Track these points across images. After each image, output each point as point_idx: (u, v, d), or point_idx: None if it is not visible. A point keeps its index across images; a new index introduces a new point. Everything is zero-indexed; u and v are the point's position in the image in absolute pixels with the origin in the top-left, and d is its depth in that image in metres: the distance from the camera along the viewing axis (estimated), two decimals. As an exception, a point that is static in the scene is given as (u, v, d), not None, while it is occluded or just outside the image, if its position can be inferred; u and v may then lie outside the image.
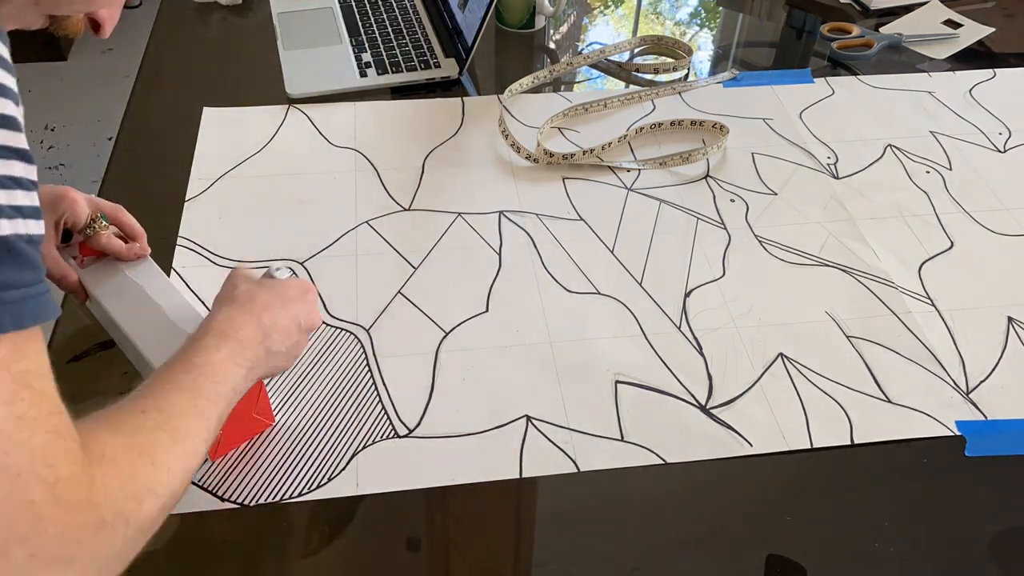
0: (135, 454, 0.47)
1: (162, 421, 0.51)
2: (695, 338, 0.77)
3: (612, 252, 0.85)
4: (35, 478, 0.40)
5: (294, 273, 0.67)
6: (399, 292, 0.80)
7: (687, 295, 0.81)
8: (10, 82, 0.39)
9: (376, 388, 0.71)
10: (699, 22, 1.29)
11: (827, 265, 0.85)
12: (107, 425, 0.48)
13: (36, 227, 0.39)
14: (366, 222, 0.87)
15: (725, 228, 0.89)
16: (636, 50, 1.18)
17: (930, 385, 0.74)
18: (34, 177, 0.40)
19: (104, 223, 0.70)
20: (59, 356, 0.72)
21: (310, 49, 1.10)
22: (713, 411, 0.71)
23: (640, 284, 0.82)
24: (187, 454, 0.52)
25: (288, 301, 0.63)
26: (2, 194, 0.37)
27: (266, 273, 0.66)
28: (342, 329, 0.76)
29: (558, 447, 0.68)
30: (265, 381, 0.66)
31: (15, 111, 0.38)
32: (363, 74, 1.07)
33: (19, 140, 0.38)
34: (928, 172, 0.97)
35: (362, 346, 0.75)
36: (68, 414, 0.43)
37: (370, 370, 0.73)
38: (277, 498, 0.63)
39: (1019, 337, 0.78)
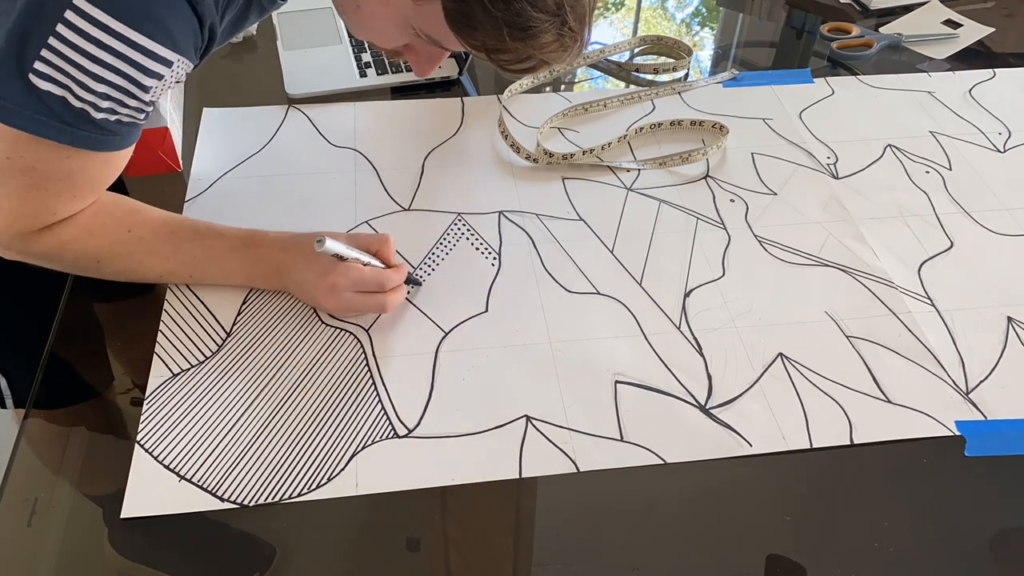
0: (64, 248, 0.71)
1: (130, 243, 0.73)
2: (695, 338, 0.77)
3: (612, 252, 0.85)
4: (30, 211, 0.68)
5: (345, 256, 0.72)
6: (399, 292, 0.80)
7: (687, 295, 0.81)
8: (162, 71, 0.64)
9: (376, 388, 0.71)
10: (699, 22, 1.29)
11: (827, 265, 0.85)
12: (90, 217, 0.71)
13: (129, 120, 0.66)
14: (366, 222, 0.87)
15: (725, 228, 0.89)
16: (636, 50, 1.18)
17: (930, 385, 0.74)
18: (147, 108, 0.66)
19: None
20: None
21: (310, 49, 1.10)
22: (713, 411, 0.71)
23: (640, 284, 0.82)
24: (124, 264, 0.73)
25: (312, 269, 0.74)
26: (110, 105, 0.63)
27: (316, 239, 0.70)
28: (342, 329, 0.76)
29: (558, 447, 0.68)
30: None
31: (153, 84, 0.64)
32: (363, 74, 1.07)
33: (141, 95, 0.64)
34: (928, 172, 0.97)
35: (362, 346, 0.75)
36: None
37: (370, 370, 0.73)
38: (277, 498, 0.63)
39: (1019, 337, 0.78)
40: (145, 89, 0.63)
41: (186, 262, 0.75)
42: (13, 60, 0.59)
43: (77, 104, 0.61)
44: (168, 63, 0.63)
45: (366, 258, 0.74)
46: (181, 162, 0.90)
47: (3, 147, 0.64)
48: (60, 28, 0.58)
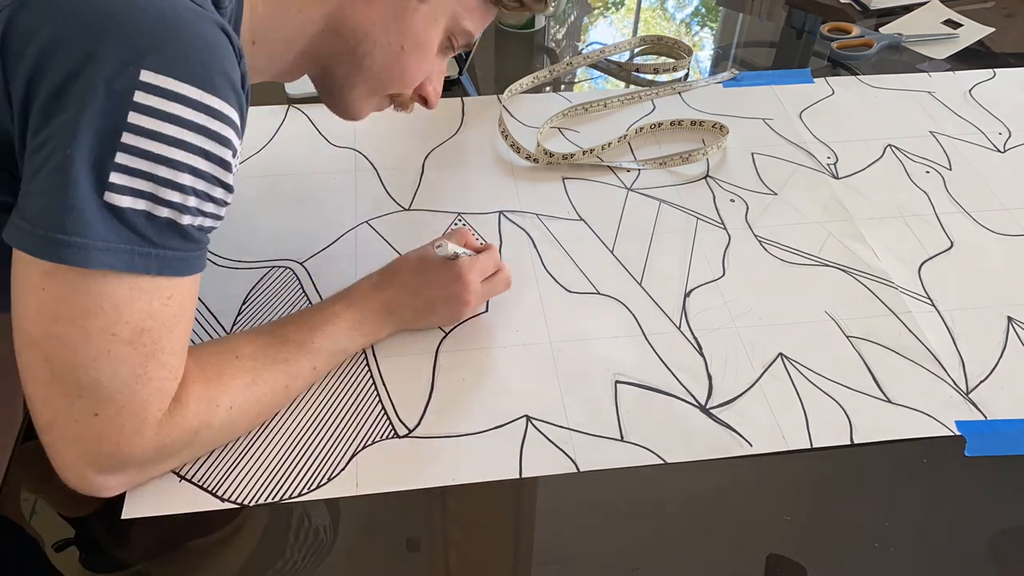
0: (205, 398, 0.59)
1: (248, 368, 0.63)
2: (695, 338, 0.77)
3: (612, 252, 0.85)
4: (143, 407, 0.55)
5: (458, 254, 0.72)
6: (399, 292, 0.80)
7: (687, 295, 0.81)
8: (237, 142, 0.55)
9: (376, 388, 0.71)
10: (699, 22, 1.29)
11: (827, 265, 0.85)
12: (198, 366, 0.60)
13: (211, 222, 0.56)
14: (366, 222, 0.87)
15: (725, 228, 0.89)
16: (636, 50, 1.18)
17: (930, 385, 0.74)
18: (229, 200, 0.56)
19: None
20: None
21: (310, 49, 1.10)
22: (713, 411, 0.71)
23: (640, 284, 0.82)
24: (256, 396, 0.63)
25: (428, 282, 0.72)
26: (198, 202, 0.53)
27: (435, 244, 0.71)
28: (342, 329, 0.76)
29: (558, 447, 0.68)
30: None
31: (232, 159, 0.55)
32: (363, 74, 1.06)
33: (228, 177, 0.55)
34: (928, 172, 0.97)
35: (362, 346, 0.75)
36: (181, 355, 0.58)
37: (370, 370, 0.73)
38: (277, 498, 0.63)
39: (1019, 337, 0.78)
40: (228, 167, 0.54)
41: (309, 357, 0.67)
42: (86, 181, 0.49)
43: (163, 214, 0.52)
44: (236, 126, 0.54)
45: (466, 251, 0.74)
46: None
47: (101, 323, 0.52)
48: (133, 117, 0.49)
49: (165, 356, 0.55)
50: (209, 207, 0.54)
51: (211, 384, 0.60)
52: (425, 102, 0.76)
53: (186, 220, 0.53)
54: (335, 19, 0.66)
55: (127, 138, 0.49)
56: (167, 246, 0.53)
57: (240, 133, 0.55)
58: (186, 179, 0.52)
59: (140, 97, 0.49)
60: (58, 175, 0.49)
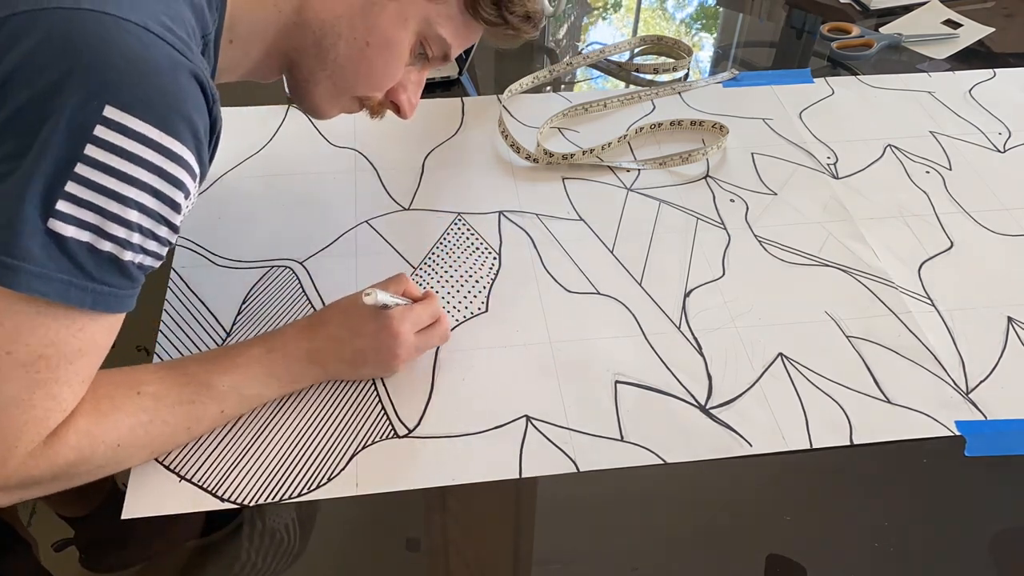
0: (88, 435, 0.57)
1: (147, 407, 0.60)
2: (695, 338, 0.77)
3: (612, 252, 0.85)
4: (16, 435, 0.53)
5: (390, 304, 0.68)
6: (399, 292, 0.80)
7: (687, 295, 0.81)
8: (191, 186, 0.54)
9: (376, 388, 0.71)
10: (699, 22, 1.29)
11: (827, 265, 0.85)
12: (93, 399, 0.57)
13: (152, 261, 0.55)
14: (366, 222, 0.87)
15: (725, 228, 0.89)
16: (636, 50, 1.18)
17: (930, 385, 0.74)
18: (172, 240, 0.56)
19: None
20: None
21: (310, 49, 1.10)
22: (713, 411, 0.71)
23: (640, 284, 0.82)
24: (149, 437, 0.61)
25: (356, 334, 0.68)
26: (142, 239, 0.53)
27: (364, 293, 0.65)
28: (342, 329, 0.76)
29: (558, 447, 0.68)
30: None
31: (184, 202, 0.54)
32: (363, 74, 1.06)
33: (175, 218, 0.54)
34: (928, 172, 0.97)
35: (362, 346, 0.75)
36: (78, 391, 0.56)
37: (370, 370, 0.73)
38: (277, 498, 0.63)
39: (1019, 337, 0.78)
40: (177, 208, 0.54)
41: (216, 400, 0.64)
42: (32, 205, 0.48)
43: (105, 247, 0.51)
44: (192, 171, 0.54)
45: (402, 300, 0.70)
46: None
47: None
48: (90, 150, 0.49)
49: (58, 387, 0.53)
50: (152, 245, 0.54)
51: (102, 420, 0.57)
52: (397, 110, 0.74)
53: (127, 256, 0.52)
54: (303, 12, 0.65)
55: (81, 169, 0.49)
56: (104, 281, 0.52)
57: (196, 178, 0.55)
58: (133, 215, 0.51)
59: (100, 131, 0.49)
60: (7, 196, 0.48)
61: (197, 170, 0.54)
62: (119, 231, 0.51)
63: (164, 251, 0.55)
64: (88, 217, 0.50)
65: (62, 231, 0.49)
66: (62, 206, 0.49)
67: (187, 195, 0.54)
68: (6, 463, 0.53)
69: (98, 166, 0.49)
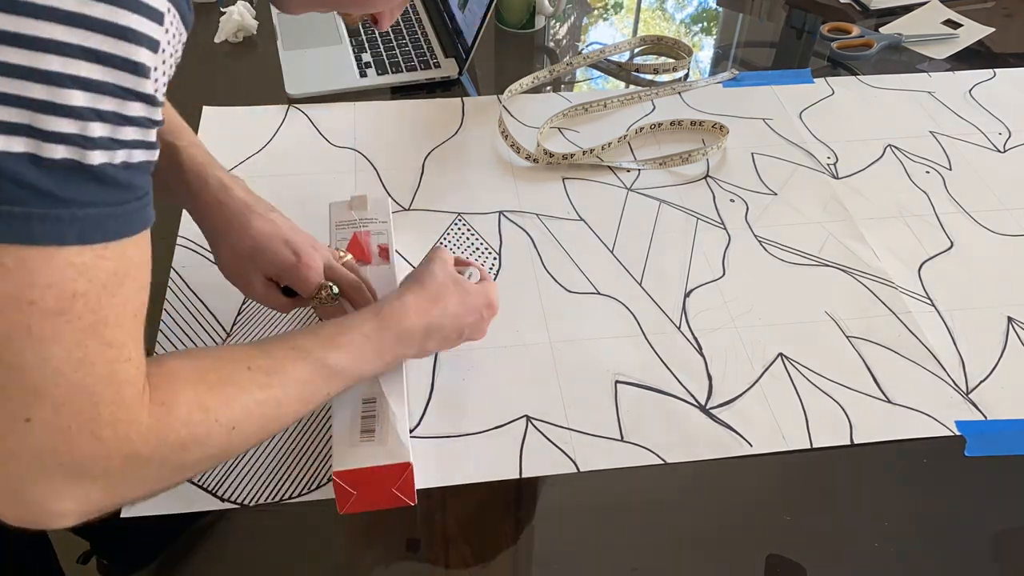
0: (202, 409, 0.47)
1: (262, 383, 0.52)
2: (695, 338, 0.77)
3: (612, 252, 0.85)
4: (90, 399, 0.42)
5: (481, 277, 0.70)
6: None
7: (687, 295, 0.81)
8: (156, 33, 0.39)
9: (376, 388, 0.71)
10: (699, 22, 1.29)
11: (827, 265, 0.85)
12: (197, 369, 0.49)
13: (141, 155, 0.41)
14: (366, 222, 0.87)
15: (725, 228, 0.89)
16: (636, 50, 1.18)
17: (930, 385, 0.74)
18: (156, 117, 0.41)
19: (334, 296, 0.68)
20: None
21: (310, 49, 1.10)
22: (713, 411, 0.71)
23: (640, 284, 0.82)
24: (264, 419, 0.52)
25: (468, 307, 0.66)
26: (107, 128, 0.38)
27: (467, 272, 0.68)
28: (342, 329, 0.76)
29: (558, 447, 0.68)
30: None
31: (151, 59, 0.39)
32: (363, 74, 1.07)
33: (144, 85, 0.39)
34: (928, 172, 0.97)
35: (362, 346, 0.74)
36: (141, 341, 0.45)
37: (370, 370, 0.72)
38: (277, 498, 0.63)
39: (1019, 337, 0.78)
40: (141, 71, 0.39)
41: (326, 379, 0.57)
42: None
43: (58, 153, 0.37)
44: (159, 15, 0.39)
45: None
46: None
47: (8, 287, 0.38)
48: None
49: (108, 330, 0.41)
50: (128, 133, 0.40)
51: (213, 392, 0.48)
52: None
53: (97, 159, 0.38)
54: None
55: None
56: (79, 200, 0.38)
57: (163, 16, 0.39)
58: (77, 98, 0.37)
59: None
60: None
61: (159, 3, 0.39)
62: (66, 125, 0.37)
63: (152, 135, 0.42)
64: (11, 116, 0.36)
65: None
66: None
67: (154, 47, 0.39)
68: (99, 435, 0.42)
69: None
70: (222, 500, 0.63)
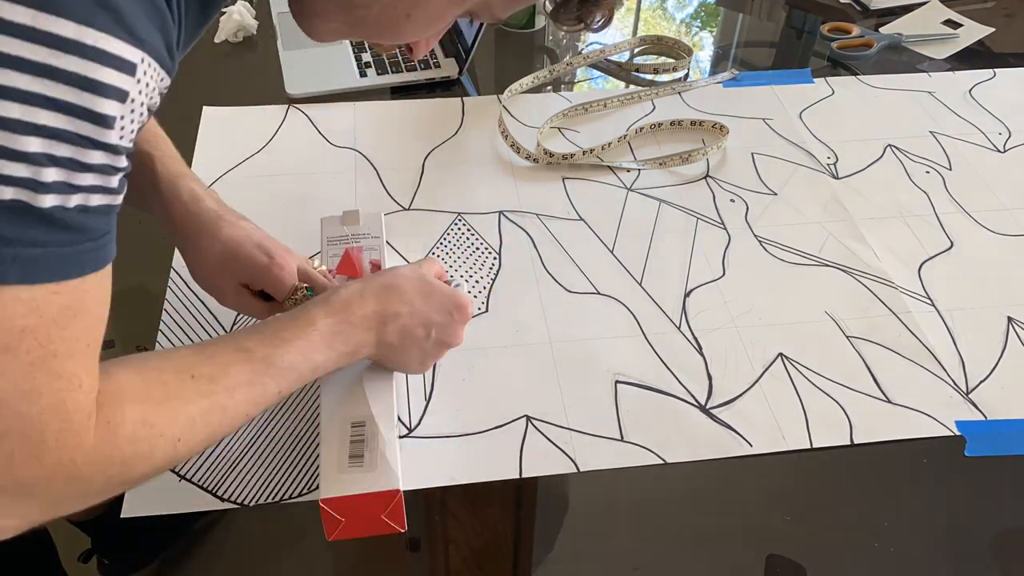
0: (147, 425, 0.47)
1: (205, 392, 0.51)
2: (695, 338, 0.77)
3: (612, 252, 0.85)
4: (35, 428, 0.41)
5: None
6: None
7: (687, 295, 0.81)
8: (125, 84, 0.39)
9: (376, 388, 0.71)
10: (699, 22, 1.29)
11: (827, 265, 0.85)
12: (143, 382, 0.48)
13: (100, 199, 0.41)
14: (366, 222, 0.87)
15: (725, 228, 0.89)
16: (636, 50, 1.18)
17: (930, 385, 0.74)
18: (120, 164, 0.41)
19: (309, 297, 0.66)
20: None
21: (310, 49, 1.10)
22: (713, 411, 0.71)
23: (640, 284, 0.82)
24: (210, 426, 0.51)
25: (432, 305, 0.62)
26: (61, 173, 0.38)
27: (452, 280, 0.65)
28: (342, 329, 0.76)
29: (558, 447, 0.68)
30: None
31: (117, 109, 0.39)
32: (363, 74, 1.07)
33: (105, 135, 0.39)
34: (928, 172, 0.97)
35: (362, 346, 0.74)
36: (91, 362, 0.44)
37: (370, 370, 0.72)
38: (277, 498, 0.63)
39: (1019, 337, 0.78)
40: (105, 122, 0.39)
41: (275, 379, 0.55)
42: None
43: (7, 195, 0.37)
44: (130, 67, 0.39)
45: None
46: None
47: None
48: None
49: (58, 362, 0.41)
50: (86, 179, 0.39)
51: (158, 408, 0.48)
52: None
53: (49, 202, 0.38)
54: None
55: None
56: (23, 240, 0.38)
57: (136, 67, 0.39)
58: (32, 144, 0.37)
59: None
60: None
61: (137, 57, 0.39)
62: (19, 169, 0.37)
63: (115, 181, 0.41)
64: None
65: None
66: None
67: (123, 98, 0.39)
68: (41, 461, 0.42)
69: None
70: (222, 500, 0.63)
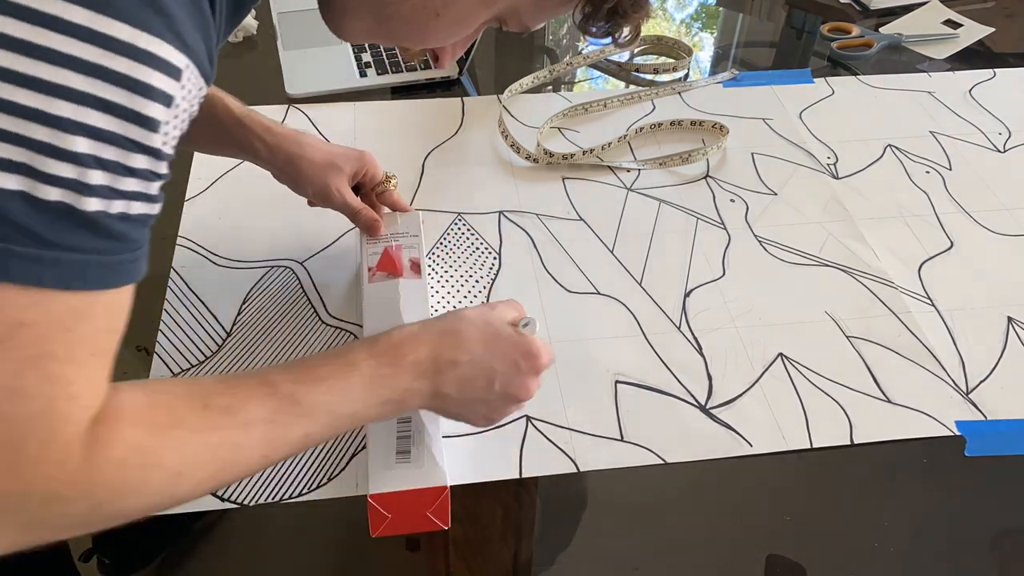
0: (141, 451, 0.43)
1: (218, 424, 0.46)
2: (695, 338, 0.77)
3: (612, 252, 0.85)
4: (16, 432, 0.39)
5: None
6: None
7: (687, 295, 0.81)
8: (171, 88, 0.39)
9: (376, 388, 0.71)
10: (699, 22, 1.29)
11: (827, 265, 0.85)
12: (148, 405, 0.44)
13: (141, 207, 0.40)
14: (366, 222, 0.87)
15: (725, 228, 0.89)
16: (636, 50, 1.18)
17: (930, 385, 0.74)
18: (161, 171, 0.41)
19: (395, 182, 0.80)
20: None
21: (310, 49, 1.10)
22: (713, 411, 0.71)
23: (640, 284, 0.82)
24: (218, 463, 0.46)
25: (495, 353, 0.57)
26: (106, 177, 0.38)
27: (522, 321, 0.60)
28: (342, 329, 0.76)
29: (558, 447, 0.68)
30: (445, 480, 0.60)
31: (163, 114, 0.39)
32: (363, 74, 1.07)
33: (151, 139, 0.39)
34: (928, 172, 0.97)
35: (362, 346, 0.74)
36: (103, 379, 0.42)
37: (370, 370, 0.72)
38: (277, 498, 0.63)
39: (1019, 337, 0.78)
40: (150, 124, 0.39)
41: (302, 419, 0.50)
42: None
43: (52, 195, 0.37)
44: (176, 72, 0.39)
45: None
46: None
47: None
48: None
49: (55, 365, 0.39)
50: (129, 183, 0.39)
51: (158, 434, 0.44)
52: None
53: (92, 206, 0.38)
54: None
55: None
56: (66, 244, 0.38)
57: (181, 72, 0.39)
58: (80, 144, 0.37)
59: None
60: None
61: (183, 63, 0.39)
62: (65, 169, 0.37)
63: (155, 188, 0.41)
64: (9, 154, 0.36)
65: None
66: None
67: (168, 102, 0.39)
68: (18, 472, 0.39)
69: (7, 77, 0.35)
70: (222, 500, 0.63)
